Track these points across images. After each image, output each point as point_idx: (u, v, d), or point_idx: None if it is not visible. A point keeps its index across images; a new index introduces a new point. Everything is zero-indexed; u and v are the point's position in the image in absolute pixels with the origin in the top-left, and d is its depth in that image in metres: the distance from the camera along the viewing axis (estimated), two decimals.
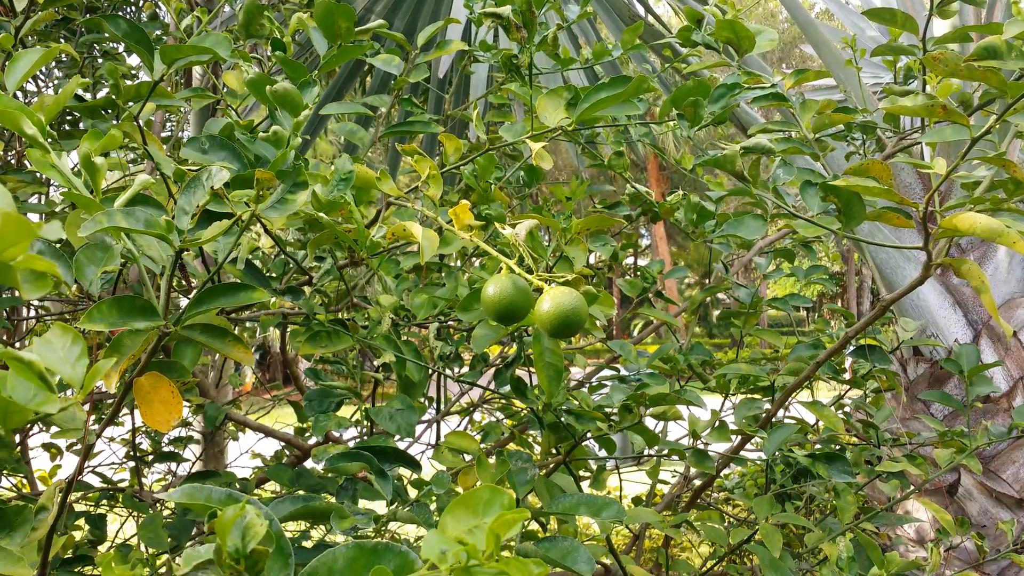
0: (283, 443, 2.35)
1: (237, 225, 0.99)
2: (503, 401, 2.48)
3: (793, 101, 1.82)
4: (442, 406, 2.65)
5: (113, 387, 0.97)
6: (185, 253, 1.03)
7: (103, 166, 1.10)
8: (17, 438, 2.33)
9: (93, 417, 2.45)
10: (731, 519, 2.48)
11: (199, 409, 2.68)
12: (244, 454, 3.61)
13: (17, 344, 3.01)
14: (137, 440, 2.69)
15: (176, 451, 2.27)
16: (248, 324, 2.82)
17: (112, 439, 2.90)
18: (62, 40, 2.75)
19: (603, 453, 2.12)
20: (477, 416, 3.15)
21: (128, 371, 1.03)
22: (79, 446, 2.74)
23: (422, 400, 2.28)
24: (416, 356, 1.58)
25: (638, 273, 2.34)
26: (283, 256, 1.73)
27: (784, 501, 2.21)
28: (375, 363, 1.49)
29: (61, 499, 1.12)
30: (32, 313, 2.68)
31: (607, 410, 1.56)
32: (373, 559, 0.67)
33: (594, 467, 1.98)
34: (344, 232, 1.03)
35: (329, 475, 1.70)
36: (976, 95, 2.29)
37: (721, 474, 3.67)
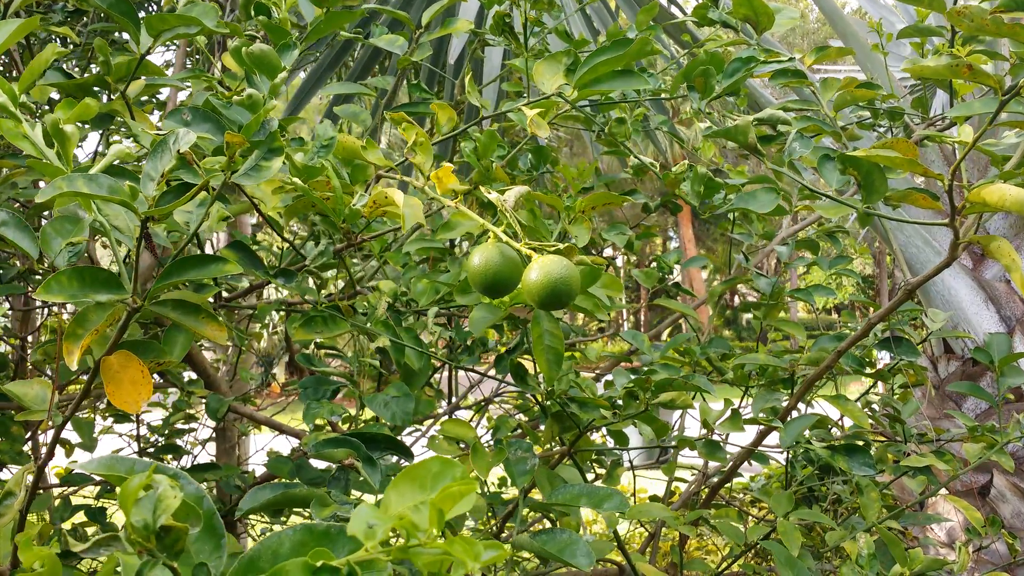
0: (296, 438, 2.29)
1: (208, 192, 0.93)
2: (518, 396, 2.41)
3: (813, 80, 1.73)
4: (454, 399, 2.59)
5: (75, 363, 0.92)
6: (152, 223, 0.97)
7: (73, 134, 1.04)
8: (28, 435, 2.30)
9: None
10: (755, 519, 2.39)
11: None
12: (261, 450, 3.56)
13: (29, 337, 2.99)
14: (152, 436, 2.65)
15: (179, 444, 2.22)
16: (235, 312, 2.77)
17: (120, 435, 2.86)
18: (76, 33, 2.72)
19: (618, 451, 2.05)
20: (494, 412, 3.09)
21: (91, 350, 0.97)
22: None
23: (431, 394, 2.21)
24: (416, 343, 1.51)
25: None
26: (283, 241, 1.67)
27: (811, 503, 2.11)
28: (372, 348, 1.42)
29: (32, 485, 1.07)
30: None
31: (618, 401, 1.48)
32: (324, 543, 0.60)
33: (607, 463, 1.90)
34: (322, 200, 0.96)
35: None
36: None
37: (747, 476, 3.57)
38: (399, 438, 1.54)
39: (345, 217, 0.98)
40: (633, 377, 1.30)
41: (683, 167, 1.27)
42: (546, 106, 1.40)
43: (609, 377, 1.66)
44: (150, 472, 0.48)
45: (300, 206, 1.00)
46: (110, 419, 2.51)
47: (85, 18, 2.86)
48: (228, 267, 0.94)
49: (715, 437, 1.54)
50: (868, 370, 2.05)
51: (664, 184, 1.30)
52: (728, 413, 1.50)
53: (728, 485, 3.78)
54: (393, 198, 0.93)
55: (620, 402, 1.35)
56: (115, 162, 1.07)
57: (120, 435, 2.85)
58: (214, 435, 3.22)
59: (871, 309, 2.14)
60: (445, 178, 0.90)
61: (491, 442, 1.67)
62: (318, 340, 1.60)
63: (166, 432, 2.44)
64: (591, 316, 1.25)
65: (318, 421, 1.66)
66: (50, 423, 0.98)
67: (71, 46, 2.80)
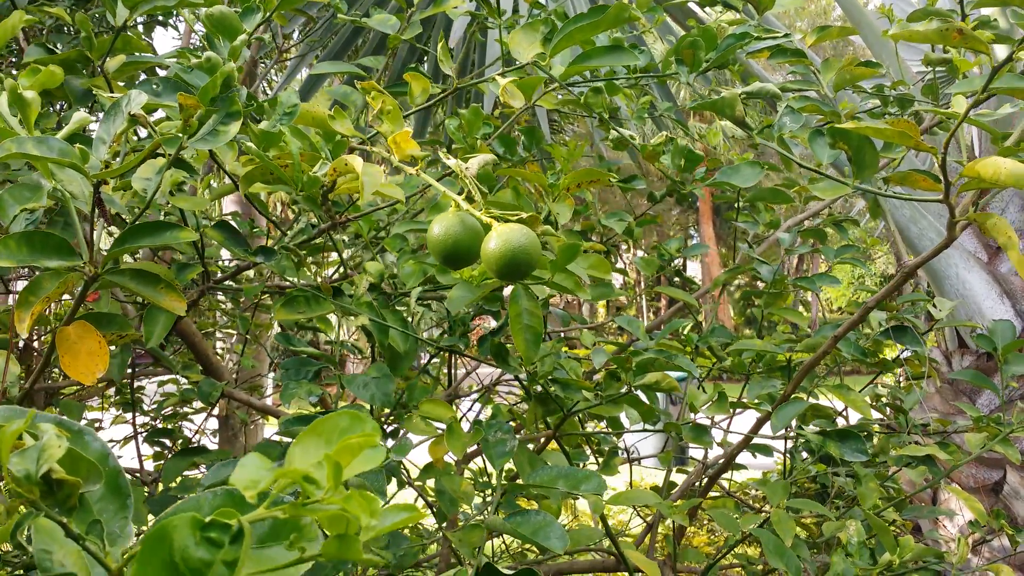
0: None
1: (163, 157, 0.90)
2: (519, 384, 2.37)
3: (813, 59, 1.69)
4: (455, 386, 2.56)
5: (25, 331, 0.89)
6: (109, 190, 0.94)
7: (34, 100, 1.02)
8: None
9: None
10: (753, 511, 2.34)
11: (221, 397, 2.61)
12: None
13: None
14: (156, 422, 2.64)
15: (172, 429, 2.20)
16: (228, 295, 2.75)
17: (126, 421, 2.85)
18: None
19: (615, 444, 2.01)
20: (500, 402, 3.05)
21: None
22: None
23: (427, 381, 2.18)
24: (401, 324, 1.48)
25: (655, 250, 2.22)
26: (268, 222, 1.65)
27: (824, 500, 2.06)
28: (352, 326, 1.39)
29: None
30: None
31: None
32: (244, 508, 0.57)
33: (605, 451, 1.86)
34: (280, 167, 0.93)
35: None
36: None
37: (759, 472, 3.52)
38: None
39: (303, 185, 0.95)
40: (611, 355, 1.26)
41: (662, 139, 1.23)
42: (532, 83, 1.37)
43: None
44: (27, 419, 0.45)
45: (257, 173, 0.97)
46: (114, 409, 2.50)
47: (91, 6, 2.85)
48: (183, 234, 0.92)
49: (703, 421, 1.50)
50: (871, 361, 2.00)
51: (642, 157, 1.26)
52: (716, 397, 1.46)
53: (738, 481, 3.73)
54: (353, 165, 0.90)
55: (603, 385, 1.32)
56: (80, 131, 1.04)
57: (126, 420, 2.83)
58: (217, 423, 3.21)
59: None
60: (403, 143, 0.87)
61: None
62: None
63: (165, 416, 2.43)
64: (569, 292, 1.21)
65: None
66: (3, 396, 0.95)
67: (67, 30, 2.78)
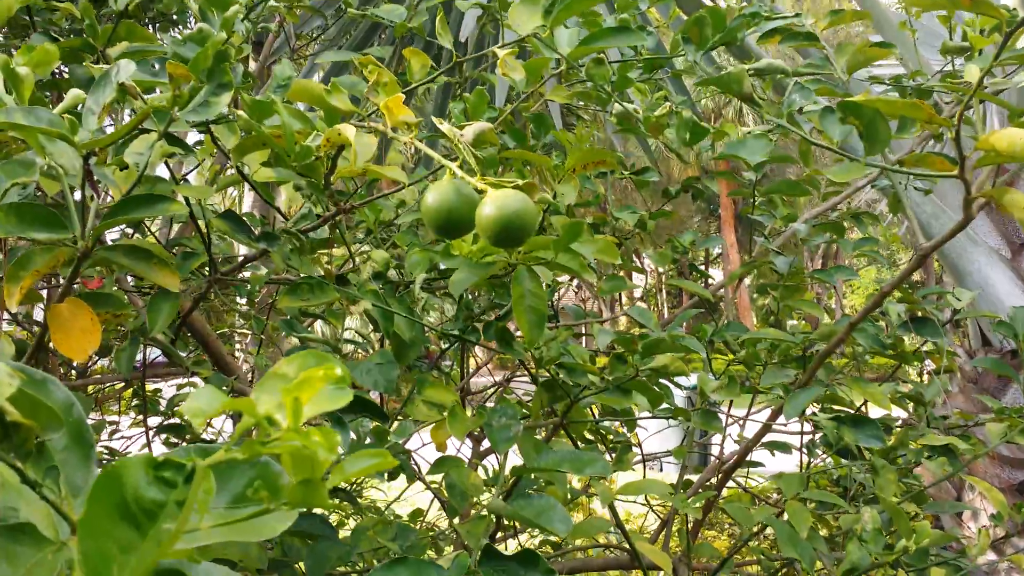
0: None
1: (155, 130, 0.89)
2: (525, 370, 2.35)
3: (826, 46, 1.66)
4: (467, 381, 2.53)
5: (15, 305, 0.88)
6: (102, 165, 0.93)
7: (28, 76, 1.01)
8: None
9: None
10: (769, 503, 2.30)
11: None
12: None
13: None
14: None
15: (183, 425, 2.19)
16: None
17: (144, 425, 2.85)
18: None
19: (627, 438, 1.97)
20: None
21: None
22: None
23: (437, 376, 2.16)
24: (407, 311, 1.46)
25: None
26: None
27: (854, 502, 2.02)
28: (356, 314, 1.38)
29: None
30: None
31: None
32: (225, 472, 0.55)
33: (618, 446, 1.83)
34: (273, 138, 0.92)
35: None
36: None
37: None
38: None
39: (296, 156, 0.93)
40: (615, 336, 1.23)
41: (666, 110, 1.21)
42: (538, 64, 1.35)
43: None
44: None
45: (249, 144, 0.95)
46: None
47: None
48: (174, 206, 0.90)
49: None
50: (890, 354, 1.96)
51: (646, 130, 1.23)
52: (726, 380, 1.43)
53: (757, 484, 3.68)
54: (346, 135, 0.88)
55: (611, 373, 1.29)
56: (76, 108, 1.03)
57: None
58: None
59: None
60: (395, 108, 0.85)
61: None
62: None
63: (177, 412, 2.42)
64: (577, 276, 1.19)
65: None
66: None
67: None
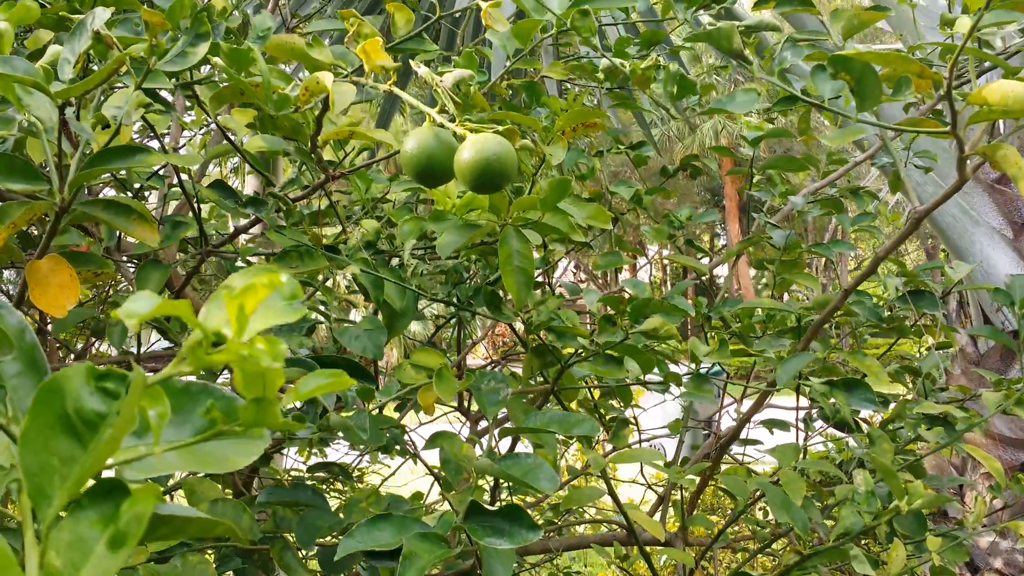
0: None
1: (132, 80, 0.88)
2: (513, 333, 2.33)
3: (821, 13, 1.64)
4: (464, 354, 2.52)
5: None
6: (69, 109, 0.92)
7: (7, 31, 1.00)
8: None
9: None
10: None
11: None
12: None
13: None
14: None
15: None
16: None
17: None
18: None
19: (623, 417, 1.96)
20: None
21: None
22: None
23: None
24: (397, 278, 1.45)
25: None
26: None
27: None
28: (344, 278, 1.36)
29: None
30: None
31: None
32: (183, 401, 0.54)
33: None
34: (250, 87, 0.90)
35: None
36: None
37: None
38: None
39: (274, 105, 0.92)
40: (604, 296, 1.22)
41: (653, 62, 1.19)
42: (529, 25, 1.33)
43: None
44: None
45: (227, 93, 0.94)
46: None
47: None
48: (152, 157, 0.89)
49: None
50: (887, 327, 1.95)
51: (632, 82, 1.21)
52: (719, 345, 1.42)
53: (758, 473, 3.66)
54: (324, 83, 0.86)
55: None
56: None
57: None
58: None
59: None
60: (373, 52, 0.84)
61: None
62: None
63: None
64: (566, 238, 1.17)
65: None
66: None
67: None
